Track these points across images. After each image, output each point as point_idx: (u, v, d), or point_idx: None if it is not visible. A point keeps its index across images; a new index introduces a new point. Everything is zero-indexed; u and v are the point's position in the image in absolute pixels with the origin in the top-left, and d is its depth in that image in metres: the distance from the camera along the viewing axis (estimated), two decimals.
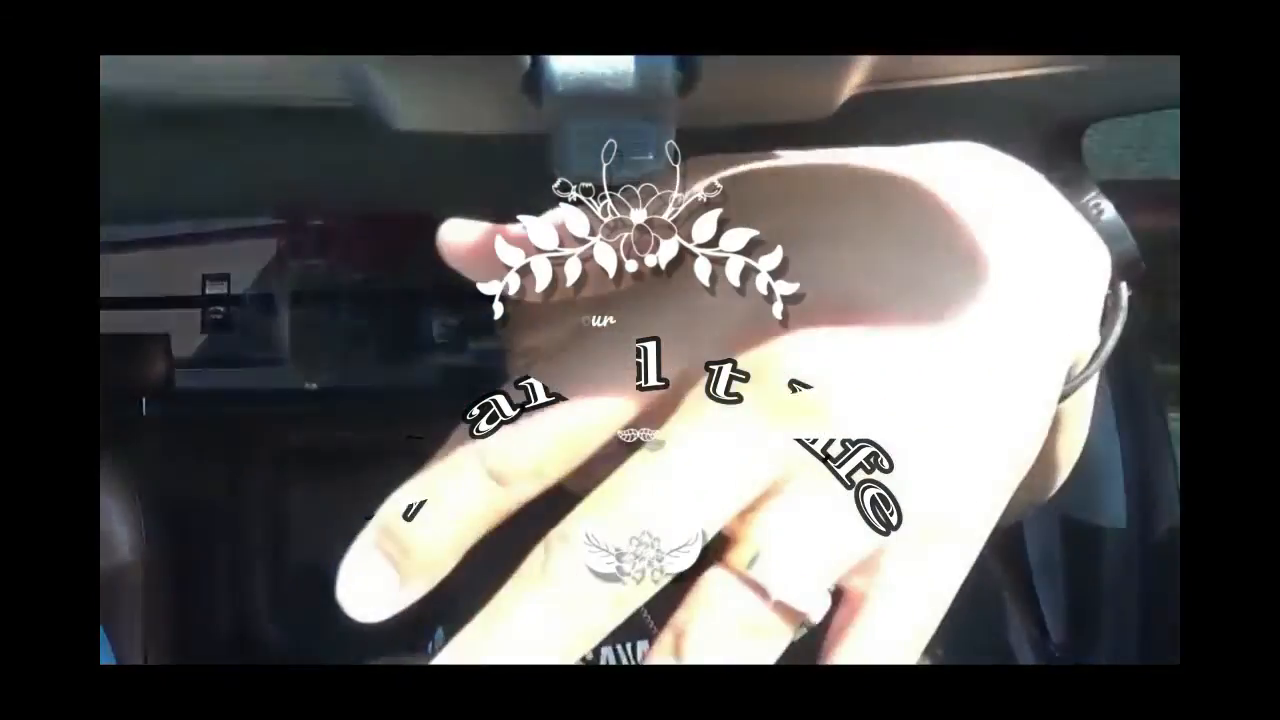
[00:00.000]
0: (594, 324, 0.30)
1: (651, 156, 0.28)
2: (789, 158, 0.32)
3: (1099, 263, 0.34)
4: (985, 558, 0.29)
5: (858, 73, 0.29)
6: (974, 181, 0.32)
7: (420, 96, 0.28)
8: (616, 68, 0.26)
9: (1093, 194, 0.35)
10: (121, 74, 0.27)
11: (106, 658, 1.33)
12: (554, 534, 0.28)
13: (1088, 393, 0.40)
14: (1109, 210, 0.35)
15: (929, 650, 0.30)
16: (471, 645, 0.28)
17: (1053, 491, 0.49)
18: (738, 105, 0.30)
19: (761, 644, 0.28)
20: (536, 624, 0.27)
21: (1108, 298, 0.35)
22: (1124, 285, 0.36)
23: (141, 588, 1.44)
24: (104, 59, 0.26)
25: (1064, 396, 0.35)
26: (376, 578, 0.29)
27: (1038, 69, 0.35)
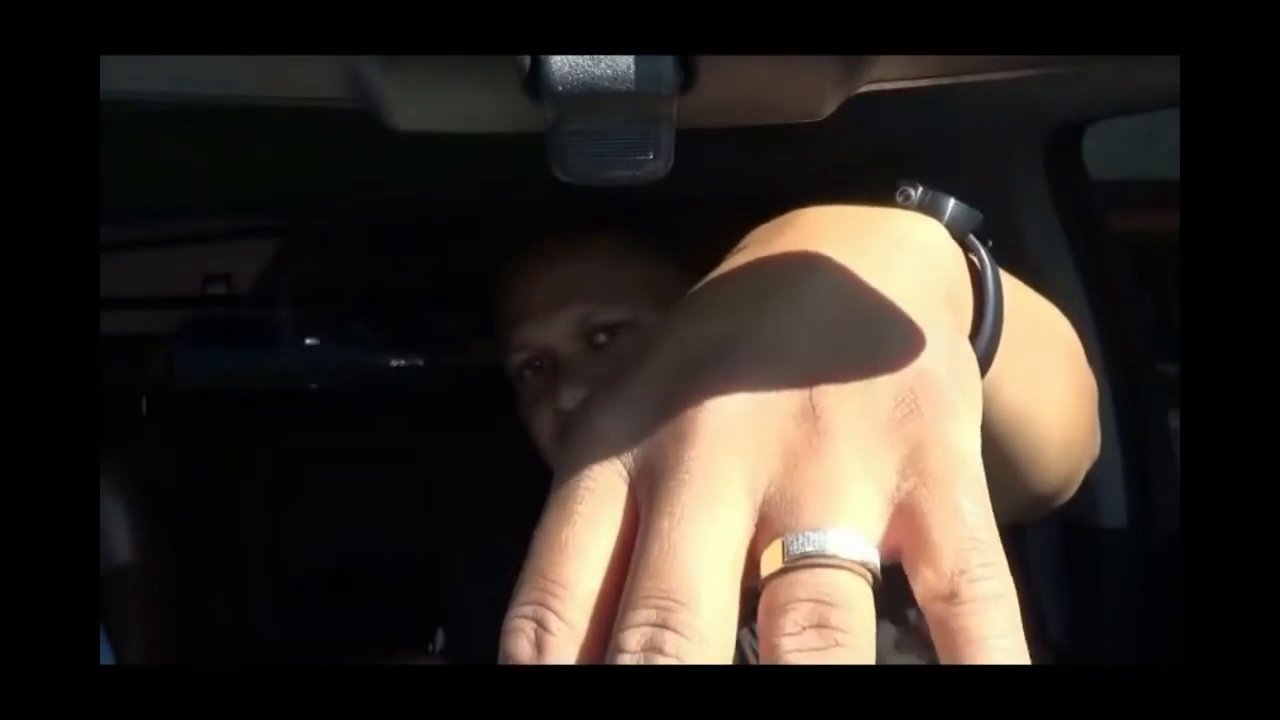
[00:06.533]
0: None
1: (651, 156, 0.28)
2: None
3: (924, 234, 0.36)
4: None
5: (857, 73, 0.29)
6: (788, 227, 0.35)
7: (420, 96, 0.28)
8: (616, 68, 0.26)
9: (902, 186, 0.38)
10: (121, 74, 0.27)
11: (106, 658, 1.33)
12: None
13: (1021, 367, 0.42)
14: (915, 192, 0.38)
15: (928, 651, 0.30)
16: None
17: (1056, 484, 0.49)
18: (737, 105, 0.30)
19: (852, 614, 0.27)
20: None
21: (972, 259, 0.38)
22: (973, 239, 0.39)
23: (141, 588, 1.44)
24: (104, 59, 0.26)
25: (982, 361, 0.37)
26: None
27: (1038, 69, 0.35)
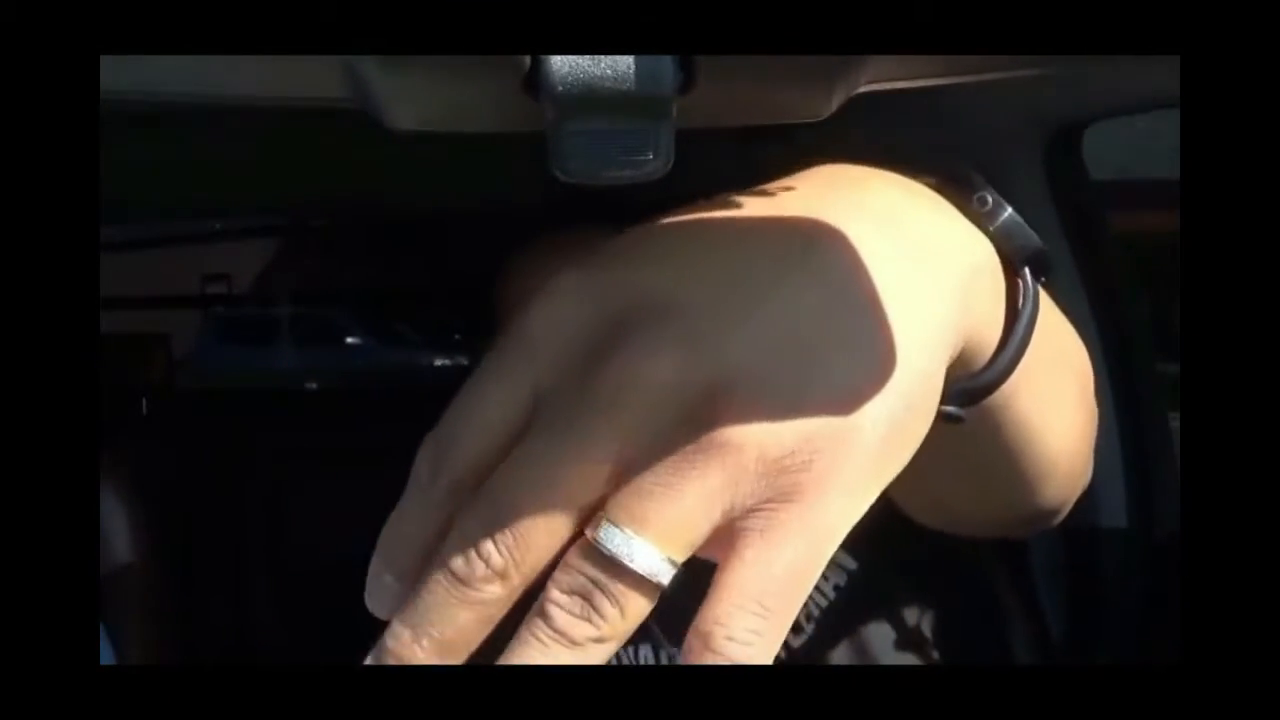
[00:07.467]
0: None
1: (651, 156, 0.28)
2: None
3: (968, 253, 0.35)
4: (985, 557, 0.29)
5: (857, 73, 0.29)
6: (804, 187, 0.35)
7: (420, 96, 0.28)
8: (616, 68, 0.26)
9: (981, 192, 0.36)
10: (121, 74, 0.27)
11: (106, 658, 1.33)
12: None
13: (1037, 390, 0.41)
14: (993, 204, 0.36)
15: (928, 651, 0.30)
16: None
17: (1049, 506, 0.49)
18: (737, 105, 0.30)
19: (618, 615, 0.28)
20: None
21: (1019, 289, 0.36)
22: (1028, 273, 0.37)
23: (141, 588, 1.44)
24: (104, 59, 0.26)
25: (985, 389, 0.36)
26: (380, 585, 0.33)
27: (1038, 69, 0.35)
